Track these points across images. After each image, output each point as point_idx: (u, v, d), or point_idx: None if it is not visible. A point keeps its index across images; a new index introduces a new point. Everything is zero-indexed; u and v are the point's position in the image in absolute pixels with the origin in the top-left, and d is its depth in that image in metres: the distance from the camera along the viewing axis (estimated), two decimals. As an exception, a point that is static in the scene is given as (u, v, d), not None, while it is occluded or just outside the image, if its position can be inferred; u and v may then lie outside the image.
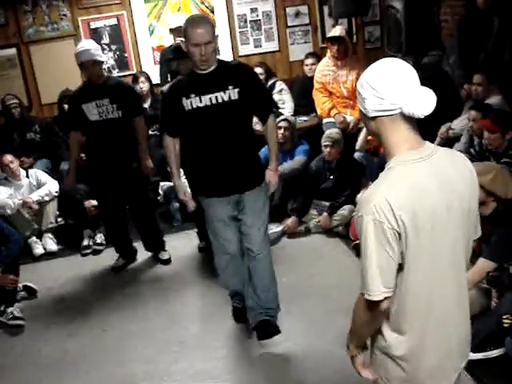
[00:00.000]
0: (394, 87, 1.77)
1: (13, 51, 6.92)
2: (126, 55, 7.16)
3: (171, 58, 5.36)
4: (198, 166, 3.68)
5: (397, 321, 1.89)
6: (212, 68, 3.43)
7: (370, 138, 5.78)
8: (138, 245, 5.47)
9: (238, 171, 3.57)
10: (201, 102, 3.42)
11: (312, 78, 6.41)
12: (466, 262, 1.95)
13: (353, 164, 5.67)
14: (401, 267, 1.81)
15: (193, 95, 3.42)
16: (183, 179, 4.43)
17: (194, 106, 3.43)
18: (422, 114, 1.76)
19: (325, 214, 5.43)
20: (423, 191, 1.78)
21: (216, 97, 3.40)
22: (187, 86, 3.48)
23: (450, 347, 1.94)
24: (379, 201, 1.74)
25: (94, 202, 5.74)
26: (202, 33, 3.27)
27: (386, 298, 1.81)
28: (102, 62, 4.88)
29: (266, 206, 3.75)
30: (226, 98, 3.41)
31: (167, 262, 5.34)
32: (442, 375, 1.95)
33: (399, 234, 1.75)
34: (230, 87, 3.41)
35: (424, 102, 1.75)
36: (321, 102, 6.19)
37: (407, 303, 1.85)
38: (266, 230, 3.81)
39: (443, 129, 5.43)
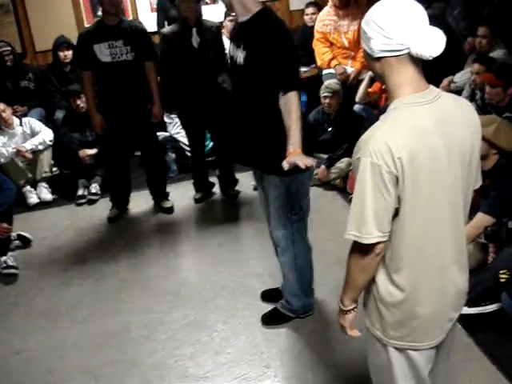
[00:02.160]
0: (402, 26, 1.68)
1: (6, -3, 6.75)
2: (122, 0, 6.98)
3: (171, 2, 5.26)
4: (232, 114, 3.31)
5: (392, 268, 1.85)
6: (246, 18, 2.97)
7: (370, 90, 5.70)
8: (134, 195, 5.45)
9: (245, 143, 3.20)
10: (234, 56, 3.05)
11: (313, 28, 6.27)
12: (465, 212, 1.90)
13: (352, 116, 5.59)
14: (397, 212, 1.76)
15: (233, 46, 3.08)
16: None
17: (233, 60, 3.08)
18: (430, 54, 1.68)
19: (322, 166, 5.38)
20: (424, 135, 1.71)
21: (237, 53, 3.01)
22: (232, 40, 3.14)
23: (446, 297, 1.90)
24: (378, 143, 1.68)
25: (90, 152, 5.69)
26: None
27: (380, 243, 1.77)
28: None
29: (285, 201, 3.19)
30: (240, 60, 2.99)
31: (170, 210, 5.31)
32: (436, 324, 1.92)
33: (397, 178, 1.69)
34: (242, 48, 2.97)
35: (433, 42, 1.67)
36: (321, 52, 6.06)
37: (402, 251, 1.81)
38: (285, 227, 3.29)
39: (445, 82, 5.34)
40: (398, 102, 1.76)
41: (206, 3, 7.01)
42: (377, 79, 1.92)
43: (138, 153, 5.66)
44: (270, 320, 3.58)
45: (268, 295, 3.81)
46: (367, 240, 1.75)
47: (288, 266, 3.41)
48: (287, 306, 3.55)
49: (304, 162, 2.72)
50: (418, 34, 1.67)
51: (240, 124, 3.19)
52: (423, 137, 1.70)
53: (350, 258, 1.87)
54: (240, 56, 2.97)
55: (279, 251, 3.42)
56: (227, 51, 3.09)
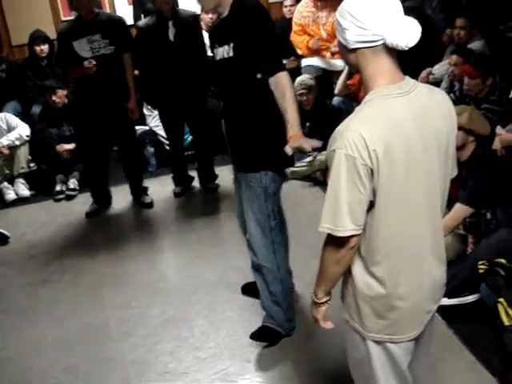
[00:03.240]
0: (377, 17, 1.66)
1: (-20, -12, 6.65)
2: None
3: None
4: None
5: (368, 262, 1.84)
6: (224, 14, 2.89)
7: (349, 82, 5.69)
8: (114, 190, 5.40)
9: (232, 140, 3.10)
10: (217, 54, 2.94)
11: (291, 20, 6.24)
12: (442, 204, 1.89)
13: (329, 109, 5.57)
14: (372, 205, 1.75)
15: (216, 45, 2.96)
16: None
17: (216, 58, 2.97)
18: (406, 45, 1.67)
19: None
20: (399, 127, 1.69)
21: (224, 51, 2.89)
22: (212, 36, 3.08)
23: (424, 290, 1.90)
24: (353, 135, 1.66)
25: (67, 146, 5.63)
26: None
27: (354, 236, 1.75)
28: None
29: (263, 205, 3.03)
30: (225, 55, 2.89)
31: (150, 205, 5.28)
32: (414, 316, 1.92)
33: (372, 170, 1.68)
34: (231, 43, 2.84)
35: (408, 32, 1.66)
36: (299, 41, 6.01)
37: (379, 243, 1.80)
38: (266, 239, 3.11)
39: (424, 73, 5.35)
40: (373, 94, 1.75)
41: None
42: (352, 70, 1.90)
43: (116, 148, 5.61)
44: (259, 336, 3.32)
45: (248, 289, 3.79)
46: (341, 233, 1.73)
47: (272, 277, 3.20)
48: (272, 321, 3.32)
49: (310, 143, 2.62)
50: (393, 25, 1.66)
51: (228, 121, 3.10)
52: (398, 129, 1.69)
53: (324, 251, 1.85)
54: (228, 51, 2.85)
55: (257, 261, 3.18)
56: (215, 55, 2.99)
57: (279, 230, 3.20)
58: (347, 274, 1.90)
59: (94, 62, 4.56)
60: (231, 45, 2.82)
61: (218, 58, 2.94)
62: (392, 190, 1.72)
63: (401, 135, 1.69)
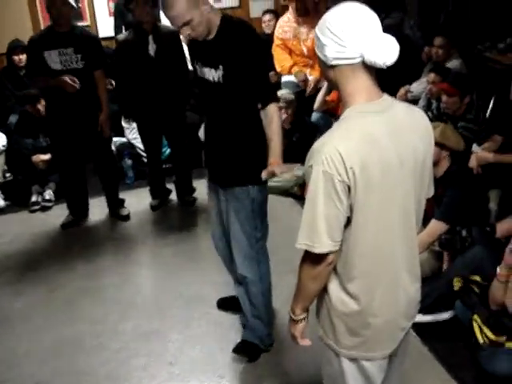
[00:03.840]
0: (356, 34, 1.67)
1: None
2: (79, 5, 6.88)
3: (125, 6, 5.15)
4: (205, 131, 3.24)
5: (344, 277, 1.84)
6: (211, 36, 2.82)
7: (328, 98, 5.71)
8: (92, 202, 5.36)
9: (219, 159, 3.09)
10: (204, 74, 2.91)
11: (270, 34, 6.27)
12: (417, 221, 1.90)
13: (307, 125, 5.58)
14: (349, 221, 1.75)
15: (199, 63, 2.93)
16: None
17: (201, 76, 2.94)
18: (384, 63, 1.67)
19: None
20: (376, 144, 1.70)
21: (210, 73, 2.87)
22: (194, 51, 2.98)
23: (398, 306, 1.90)
24: (330, 152, 1.66)
25: (43, 157, 5.57)
26: (173, 17, 2.67)
27: (331, 252, 1.75)
28: (73, 6, 4.64)
29: (250, 215, 3.07)
30: (215, 78, 2.86)
31: (126, 217, 5.24)
32: (388, 333, 1.92)
33: (349, 187, 1.68)
34: (221, 67, 2.81)
35: (387, 50, 1.67)
36: (281, 58, 6.04)
37: (355, 259, 1.80)
38: (252, 251, 3.16)
39: (402, 91, 5.39)
40: (351, 111, 1.76)
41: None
42: (331, 87, 1.91)
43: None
44: (240, 351, 3.34)
45: (224, 303, 3.77)
46: (318, 249, 1.72)
47: (255, 289, 3.22)
48: (252, 334, 3.34)
49: (282, 169, 2.80)
50: (371, 42, 1.67)
51: (215, 139, 3.08)
52: (375, 146, 1.70)
53: (301, 268, 1.85)
54: (215, 74, 2.84)
55: (240, 272, 3.20)
56: (198, 72, 2.97)
57: (264, 242, 3.25)
58: (322, 290, 1.90)
59: (78, 83, 4.51)
60: (221, 70, 2.80)
61: (204, 77, 2.91)
62: (368, 206, 1.72)
63: (377, 152, 1.69)
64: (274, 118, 2.87)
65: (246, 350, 3.33)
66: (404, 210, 1.81)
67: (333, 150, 1.66)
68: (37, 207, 5.54)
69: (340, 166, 1.65)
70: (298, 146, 5.38)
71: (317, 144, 1.74)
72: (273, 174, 2.80)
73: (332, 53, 1.72)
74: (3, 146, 5.65)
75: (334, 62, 1.74)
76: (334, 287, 1.87)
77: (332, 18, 1.73)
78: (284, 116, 5.43)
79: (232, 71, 2.80)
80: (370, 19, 1.71)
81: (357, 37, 1.67)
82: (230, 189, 3.05)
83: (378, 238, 1.78)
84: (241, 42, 2.79)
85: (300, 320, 1.97)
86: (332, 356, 1.96)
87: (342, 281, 1.84)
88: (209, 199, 3.33)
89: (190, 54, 3.11)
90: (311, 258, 1.78)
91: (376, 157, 1.69)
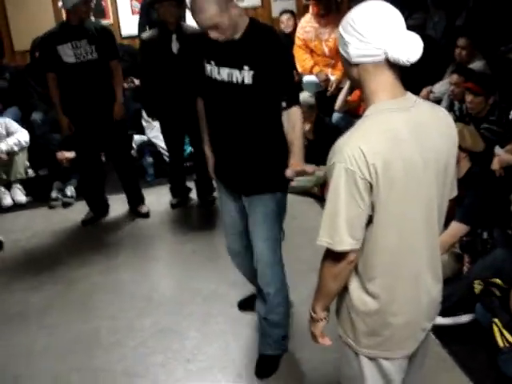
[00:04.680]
0: (379, 31, 1.66)
1: (-15, -5, 6.65)
2: (102, 2, 6.92)
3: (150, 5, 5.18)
4: (212, 138, 3.11)
5: (365, 277, 1.82)
6: (237, 36, 2.73)
7: (349, 98, 5.69)
8: (113, 199, 5.38)
9: (240, 167, 2.98)
10: (219, 74, 2.80)
11: (289, 34, 6.29)
12: (439, 221, 1.87)
13: (328, 127, 5.56)
14: (371, 219, 1.73)
15: (212, 62, 2.82)
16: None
17: (213, 76, 2.83)
18: (407, 59, 1.66)
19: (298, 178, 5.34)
20: (399, 142, 1.68)
21: (232, 74, 2.76)
22: (207, 49, 2.86)
23: (419, 307, 1.88)
24: (353, 149, 1.65)
25: (68, 154, 5.60)
26: (202, 20, 2.59)
27: (353, 251, 1.73)
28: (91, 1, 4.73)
29: (277, 219, 3.04)
30: (239, 79, 2.75)
31: (146, 215, 5.25)
32: (409, 333, 1.90)
33: (371, 185, 1.67)
34: (246, 68, 2.71)
35: (411, 47, 1.65)
36: (302, 59, 6.05)
37: (376, 259, 1.78)
38: (277, 256, 3.10)
39: (424, 92, 5.35)
40: (374, 108, 1.74)
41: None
42: (354, 85, 1.89)
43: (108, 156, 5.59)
44: (267, 372, 3.23)
45: (245, 304, 3.77)
46: (339, 247, 1.71)
47: (281, 297, 3.16)
48: (273, 347, 3.26)
49: (308, 169, 2.83)
50: (395, 39, 1.65)
51: (238, 146, 2.93)
52: (398, 144, 1.68)
53: (322, 266, 1.84)
54: (239, 75, 2.72)
55: (266, 280, 3.10)
56: (207, 71, 2.88)
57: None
58: (343, 289, 1.88)
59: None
60: (248, 71, 2.71)
61: (218, 77, 2.81)
62: (390, 205, 1.70)
63: (400, 150, 1.68)
64: (296, 122, 2.82)
65: (270, 368, 3.25)
66: (426, 209, 1.79)
67: (355, 147, 1.65)
68: (57, 203, 5.59)
69: (362, 163, 1.64)
70: (318, 146, 5.36)
71: (339, 141, 1.73)
72: (301, 173, 2.81)
73: (355, 50, 1.71)
74: (26, 142, 5.69)
75: (358, 60, 1.73)
76: (354, 286, 1.85)
77: (355, 15, 1.72)
78: (307, 127, 5.37)
79: (261, 72, 2.71)
80: (394, 16, 1.69)
81: (380, 33, 1.66)
82: (257, 196, 2.96)
83: (399, 237, 1.76)
84: (270, 44, 2.74)
85: (320, 319, 1.95)
86: (351, 355, 1.95)
87: (363, 280, 1.83)
88: (224, 212, 3.23)
89: (197, 52, 2.98)
90: (332, 256, 1.77)
91: (399, 155, 1.67)
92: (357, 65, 1.75)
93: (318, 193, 5.22)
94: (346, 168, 1.65)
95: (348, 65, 1.79)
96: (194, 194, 5.52)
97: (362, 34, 1.68)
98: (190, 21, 5.25)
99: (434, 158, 1.76)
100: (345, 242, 1.70)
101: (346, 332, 1.94)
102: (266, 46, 2.74)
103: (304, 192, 5.35)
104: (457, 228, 3.44)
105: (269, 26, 2.92)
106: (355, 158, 1.64)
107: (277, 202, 3.00)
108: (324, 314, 1.95)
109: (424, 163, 1.73)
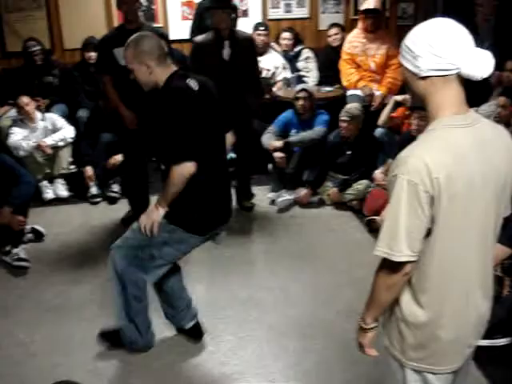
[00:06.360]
0: (453, 46, 1.68)
1: (39, -8, 6.79)
2: (153, 7, 7.04)
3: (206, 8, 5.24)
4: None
5: (417, 289, 1.84)
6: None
7: (393, 114, 5.69)
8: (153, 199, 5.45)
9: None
10: None
11: (336, 48, 6.32)
12: (493, 239, 1.89)
13: (371, 141, 5.57)
14: (429, 233, 1.75)
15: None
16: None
17: None
18: (481, 75, 1.69)
19: (334, 189, 5.38)
20: (462, 158, 1.70)
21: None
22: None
23: (468, 323, 1.89)
24: (416, 162, 1.67)
25: (116, 157, 5.69)
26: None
27: (409, 262, 1.75)
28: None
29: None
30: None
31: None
32: (457, 349, 1.91)
33: (433, 198, 1.69)
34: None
35: (484, 63, 1.68)
36: (347, 73, 6.08)
37: (430, 272, 1.80)
38: None
39: (470, 112, 5.32)
40: (438, 123, 1.76)
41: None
42: (415, 99, 1.90)
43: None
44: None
45: None
46: (397, 258, 1.73)
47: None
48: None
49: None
50: (468, 55, 1.68)
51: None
52: (461, 159, 1.70)
53: (377, 276, 1.86)
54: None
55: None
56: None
57: None
58: (393, 300, 1.90)
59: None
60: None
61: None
62: (450, 219, 1.72)
63: (463, 165, 1.70)
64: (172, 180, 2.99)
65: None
66: (483, 226, 1.80)
67: (419, 160, 1.67)
68: (98, 199, 5.69)
69: (425, 176, 1.66)
70: (359, 159, 5.38)
71: (402, 154, 1.75)
72: None
73: (427, 64, 1.73)
74: (71, 138, 5.81)
75: (428, 73, 1.74)
76: (405, 298, 1.87)
77: (427, 29, 1.74)
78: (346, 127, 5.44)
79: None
80: (465, 33, 1.72)
81: (454, 49, 1.68)
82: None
83: (455, 251, 1.77)
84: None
85: (370, 329, 1.97)
86: (396, 367, 1.96)
87: (415, 292, 1.84)
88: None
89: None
90: (388, 267, 1.79)
91: (461, 170, 1.69)
92: (425, 78, 1.76)
93: (358, 207, 5.23)
94: (408, 180, 1.68)
95: (414, 78, 1.80)
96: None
97: (436, 48, 1.70)
98: (241, 26, 5.35)
99: (494, 175, 1.77)
100: (403, 254, 1.72)
101: (392, 343, 1.95)
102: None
103: (342, 205, 5.36)
104: (499, 251, 3.41)
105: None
106: (419, 171, 1.66)
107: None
108: (374, 324, 1.96)
109: (484, 180, 1.74)
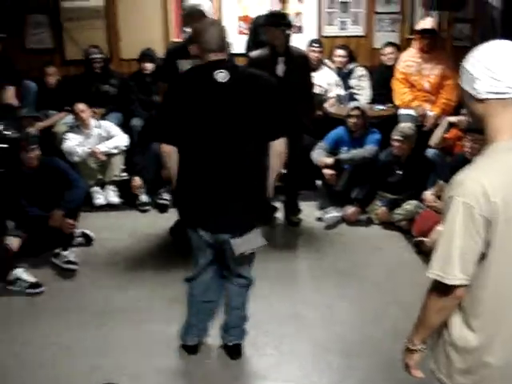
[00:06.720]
0: (511, 70, 1.67)
1: (100, 2, 6.94)
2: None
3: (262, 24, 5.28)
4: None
5: (468, 314, 1.81)
6: None
7: (446, 135, 5.63)
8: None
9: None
10: None
11: (390, 67, 6.28)
12: None
13: (422, 162, 5.51)
14: (483, 257, 1.73)
15: None
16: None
17: None
18: None
19: (383, 208, 5.33)
20: None
21: None
22: None
23: None
24: (473, 185, 1.66)
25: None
26: None
27: (461, 286, 1.73)
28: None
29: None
30: None
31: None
32: (506, 376, 1.86)
33: (489, 222, 1.67)
34: None
35: None
36: (401, 92, 6.04)
37: (483, 296, 1.77)
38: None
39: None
40: (496, 146, 1.74)
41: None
42: (475, 121, 1.89)
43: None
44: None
45: None
46: (450, 281, 1.72)
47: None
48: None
49: None
50: None
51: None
52: None
53: (428, 297, 1.84)
54: None
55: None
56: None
57: None
58: (442, 323, 1.88)
59: None
60: None
61: None
62: (506, 243, 1.70)
63: None
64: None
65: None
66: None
67: (476, 182, 1.66)
68: (147, 207, 5.76)
69: (482, 199, 1.65)
70: (410, 179, 5.32)
71: (459, 176, 1.73)
72: None
73: (485, 86, 1.72)
74: (125, 146, 5.93)
75: (486, 96, 1.73)
76: (455, 322, 1.84)
77: (485, 52, 1.73)
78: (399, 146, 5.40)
79: None
80: None
81: None
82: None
83: (509, 277, 1.75)
84: None
85: (417, 350, 1.95)
86: (442, 391, 1.93)
87: (466, 316, 1.82)
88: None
89: None
90: (440, 290, 1.77)
91: None
92: (483, 101, 1.75)
93: (406, 227, 5.16)
94: (464, 202, 1.66)
95: (472, 100, 1.79)
96: (279, 214, 5.55)
97: (494, 71, 1.69)
98: (295, 42, 5.36)
99: None
100: (456, 277, 1.71)
101: (439, 367, 1.93)
102: None
103: (391, 225, 5.31)
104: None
105: None
106: (475, 194, 1.65)
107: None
108: (421, 345, 1.94)
109: None
